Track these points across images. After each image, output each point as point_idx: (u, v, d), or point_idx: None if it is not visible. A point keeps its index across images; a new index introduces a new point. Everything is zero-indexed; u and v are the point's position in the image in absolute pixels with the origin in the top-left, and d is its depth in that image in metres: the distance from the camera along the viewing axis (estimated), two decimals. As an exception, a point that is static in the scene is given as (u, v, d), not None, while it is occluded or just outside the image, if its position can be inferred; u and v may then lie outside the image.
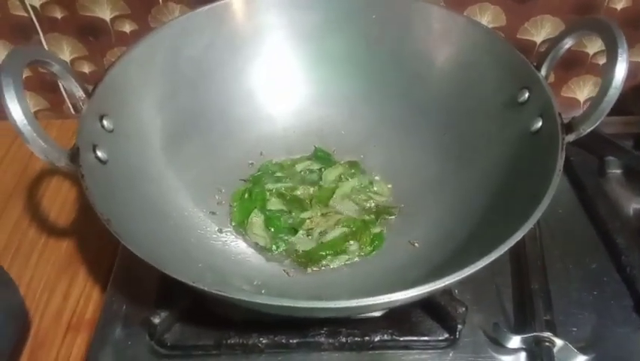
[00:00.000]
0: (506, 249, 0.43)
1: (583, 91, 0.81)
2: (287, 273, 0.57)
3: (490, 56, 0.59)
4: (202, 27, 0.62)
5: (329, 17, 0.65)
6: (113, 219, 0.44)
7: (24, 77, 0.78)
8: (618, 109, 0.76)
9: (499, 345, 0.53)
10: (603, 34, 0.48)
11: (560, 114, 0.51)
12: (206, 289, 0.39)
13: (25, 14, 0.73)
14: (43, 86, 0.81)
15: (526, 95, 0.55)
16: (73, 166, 0.47)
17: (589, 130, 0.49)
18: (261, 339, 0.52)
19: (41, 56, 0.48)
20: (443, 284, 0.41)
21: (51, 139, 0.46)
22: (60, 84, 0.64)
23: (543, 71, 0.55)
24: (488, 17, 0.74)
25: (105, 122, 0.53)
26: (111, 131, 0.53)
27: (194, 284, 0.40)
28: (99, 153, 0.51)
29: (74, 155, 0.47)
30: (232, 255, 0.58)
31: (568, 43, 0.53)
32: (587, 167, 0.70)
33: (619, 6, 0.72)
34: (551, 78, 0.79)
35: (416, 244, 0.59)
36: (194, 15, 0.62)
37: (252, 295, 0.39)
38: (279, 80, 0.68)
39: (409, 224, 0.61)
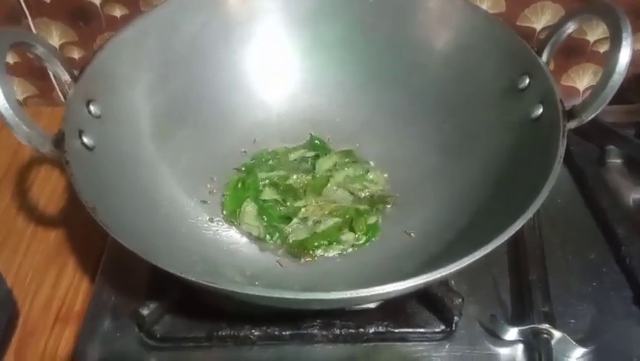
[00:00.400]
0: (504, 239, 0.42)
1: (583, 80, 0.80)
2: (280, 264, 0.56)
3: (489, 40, 0.58)
4: (196, 8, 0.61)
5: (324, 2, 0.63)
6: (99, 208, 0.42)
7: (13, 62, 0.78)
8: (619, 97, 0.75)
9: (496, 337, 0.52)
10: (607, 18, 0.47)
11: (561, 101, 0.49)
12: (194, 280, 0.38)
13: (13, -2, 0.71)
14: (32, 72, 0.79)
15: (527, 81, 0.54)
16: (58, 152, 0.45)
17: (591, 117, 0.48)
18: (253, 331, 0.51)
19: (25, 38, 0.47)
20: (440, 275, 0.40)
21: (35, 124, 0.45)
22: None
23: (544, 57, 0.53)
24: (487, 3, 0.72)
25: (92, 108, 0.51)
26: (98, 116, 0.52)
27: (182, 275, 0.38)
28: (85, 139, 0.49)
29: (59, 141, 0.46)
30: (224, 245, 0.57)
31: (570, 27, 0.52)
32: (587, 156, 0.68)
33: (621, -7, 0.71)
34: (551, 66, 0.78)
35: (412, 234, 0.57)
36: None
37: (243, 287, 0.38)
38: (274, 66, 0.66)
39: (405, 213, 0.59)
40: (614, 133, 0.68)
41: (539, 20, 0.74)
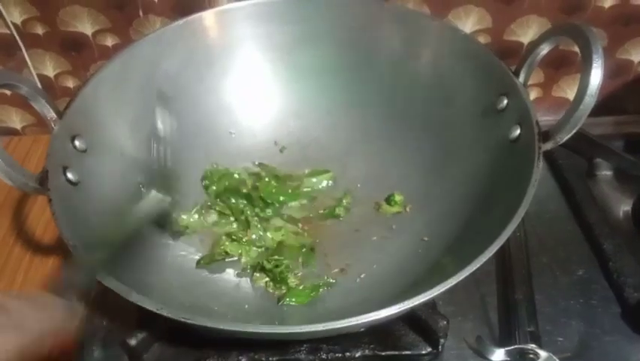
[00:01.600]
0: (466, 275, 0.42)
1: (573, 90, 0.79)
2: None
3: (468, 61, 0.58)
4: (175, 42, 0.61)
5: (304, 29, 0.64)
6: (80, 245, 0.43)
7: (10, 93, 0.79)
8: (610, 108, 0.76)
9: (484, 358, 0.52)
10: (578, 39, 0.47)
11: (537, 122, 0.49)
12: (170, 316, 0.39)
13: (7, 31, 0.73)
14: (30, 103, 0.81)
15: (505, 102, 0.54)
16: (42, 190, 0.46)
17: (566, 138, 0.47)
18: (241, 358, 0.52)
19: (8, 80, 0.48)
20: (400, 309, 0.41)
21: (17, 163, 0.46)
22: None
23: (521, 78, 0.53)
24: (473, 19, 0.72)
25: (77, 143, 0.52)
26: (84, 150, 0.53)
27: (158, 311, 0.39)
28: (70, 175, 0.50)
29: (43, 178, 0.47)
30: (210, 277, 0.57)
31: (545, 49, 0.52)
32: (576, 169, 0.69)
33: (607, 4, 0.71)
34: (541, 78, 0.79)
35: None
36: (168, 30, 0.61)
37: (217, 322, 0.39)
38: (257, 94, 0.67)
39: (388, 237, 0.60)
40: (601, 146, 0.68)
41: (526, 34, 0.74)
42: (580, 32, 0.46)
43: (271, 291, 0.56)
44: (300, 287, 0.56)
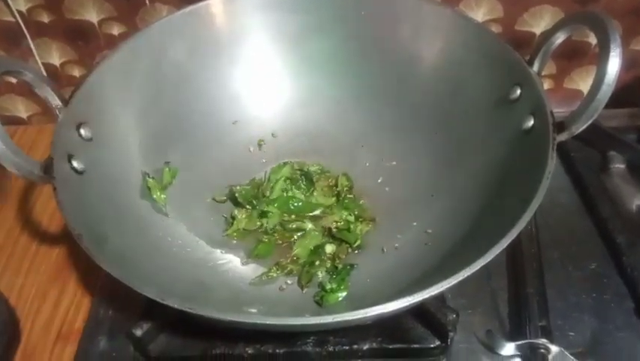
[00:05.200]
0: (477, 268, 0.41)
1: (586, 82, 0.79)
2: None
3: (480, 51, 0.57)
4: (182, 30, 0.61)
5: (313, 18, 0.63)
6: (86, 234, 0.43)
7: (15, 82, 0.79)
8: (623, 100, 0.75)
9: (494, 352, 0.52)
10: (595, 28, 0.46)
11: (551, 112, 0.48)
12: (175, 306, 0.38)
13: (13, 19, 0.72)
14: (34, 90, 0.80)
15: (518, 92, 0.53)
16: (48, 178, 0.46)
17: (581, 129, 0.47)
18: (247, 349, 0.51)
19: (12, 67, 0.47)
20: (410, 302, 0.40)
21: (21, 151, 0.45)
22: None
23: (535, 67, 0.52)
24: (484, 9, 0.71)
25: (83, 131, 0.52)
26: (90, 139, 0.52)
27: (164, 302, 0.39)
28: (75, 163, 0.49)
29: (48, 166, 0.46)
30: (217, 266, 0.57)
31: (560, 37, 0.51)
32: (589, 162, 0.68)
33: (621, -5, 0.70)
34: (553, 69, 0.78)
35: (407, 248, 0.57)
36: (175, 18, 0.60)
37: (223, 313, 0.38)
38: (265, 83, 0.66)
39: (398, 227, 0.59)
40: (615, 139, 0.67)
41: (539, 24, 0.73)
42: (597, 20, 0.45)
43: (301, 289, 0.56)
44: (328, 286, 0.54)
